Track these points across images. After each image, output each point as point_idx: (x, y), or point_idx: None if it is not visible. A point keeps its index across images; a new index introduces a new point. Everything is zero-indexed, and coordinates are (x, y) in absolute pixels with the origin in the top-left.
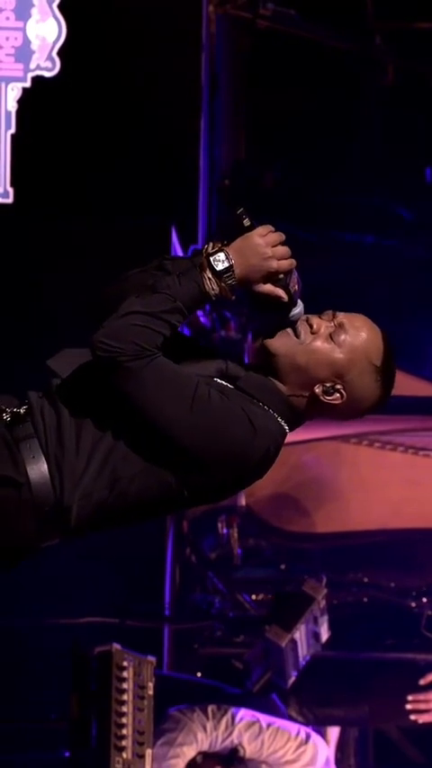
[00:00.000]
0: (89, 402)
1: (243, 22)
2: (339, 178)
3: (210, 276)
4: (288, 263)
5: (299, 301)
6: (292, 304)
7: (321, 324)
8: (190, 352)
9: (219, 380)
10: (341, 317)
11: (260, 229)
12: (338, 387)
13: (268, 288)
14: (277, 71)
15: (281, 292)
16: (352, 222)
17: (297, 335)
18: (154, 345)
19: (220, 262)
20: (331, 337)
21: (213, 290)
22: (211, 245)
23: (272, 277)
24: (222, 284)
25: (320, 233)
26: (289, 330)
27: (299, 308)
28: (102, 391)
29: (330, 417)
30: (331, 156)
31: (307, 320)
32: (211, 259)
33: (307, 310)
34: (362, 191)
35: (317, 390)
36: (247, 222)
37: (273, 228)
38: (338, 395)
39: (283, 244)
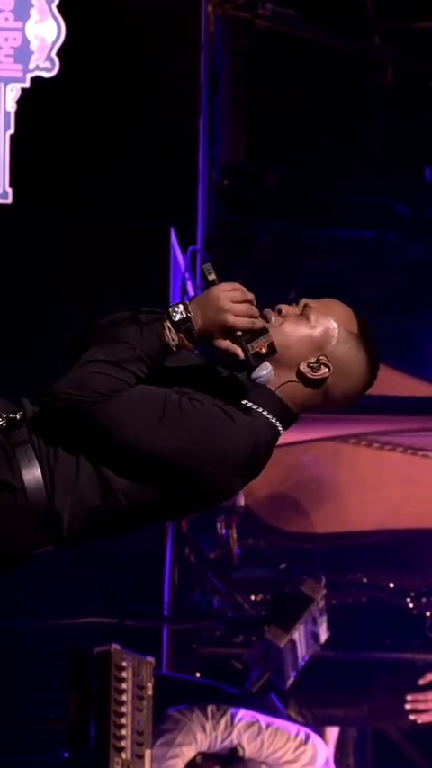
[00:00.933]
0: (68, 431)
1: (242, 22)
2: (339, 178)
3: (169, 326)
4: (246, 322)
5: (267, 365)
6: (253, 365)
7: (288, 309)
8: (187, 374)
9: (203, 394)
10: (306, 300)
11: (224, 285)
12: (322, 359)
13: (226, 344)
14: (277, 71)
15: (238, 350)
16: (352, 222)
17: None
18: (114, 391)
19: (178, 313)
20: (301, 317)
21: (173, 340)
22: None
23: (230, 333)
24: (182, 335)
25: (320, 233)
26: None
27: (266, 371)
28: (73, 431)
29: (336, 401)
30: (331, 155)
31: (274, 307)
32: (171, 310)
33: None
34: (362, 190)
35: (302, 369)
36: (211, 277)
37: (240, 287)
38: (325, 368)
39: (252, 303)
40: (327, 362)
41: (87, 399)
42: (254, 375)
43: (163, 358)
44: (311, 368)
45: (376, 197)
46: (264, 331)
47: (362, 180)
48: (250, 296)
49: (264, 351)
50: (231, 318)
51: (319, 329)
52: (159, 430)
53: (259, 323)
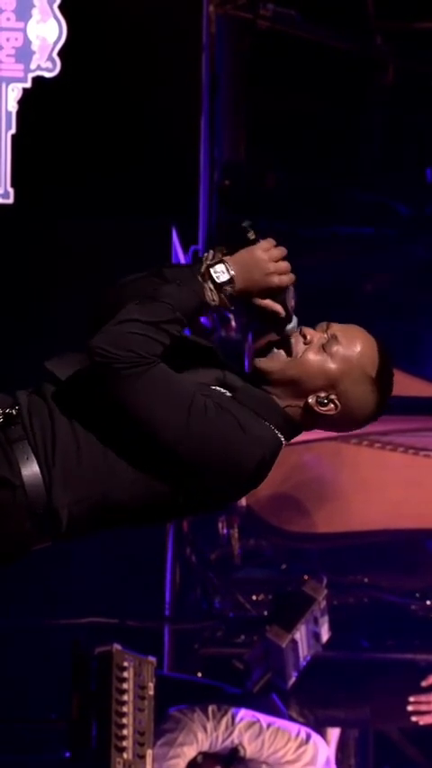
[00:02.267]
0: (84, 407)
1: (243, 22)
2: (340, 178)
3: (210, 287)
4: (288, 279)
5: (294, 316)
6: (288, 319)
7: (315, 335)
8: (190, 356)
9: (217, 388)
10: (335, 328)
11: (264, 243)
12: (332, 397)
13: (267, 302)
14: (278, 71)
15: (278, 308)
16: (352, 221)
17: (288, 353)
18: (152, 354)
19: (221, 273)
20: (324, 348)
21: (213, 300)
22: (211, 254)
23: (271, 292)
24: (222, 295)
25: (321, 232)
26: (278, 351)
27: (293, 323)
28: (98, 397)
29: (327, 428)
30: (331, 156)
31: (300, 332)
32: (212, 270)
33: (306, 311)
34: (362, 191)
35: (310, 401)
36: (252, 236)
37: (275, 243)
38: (332, 405)
39: (284, 258)
40: (336, 401)
41: (126, 360)
42: (287, 329)
43: (198, 317)
44: (319, 402)
45: (377, 197)
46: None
47: (362, 180)
48: (285, 250)
49: (293, 303)
50: (276, 279)
51: (338, 366)
52: (182, 423)
53: (294, 277)
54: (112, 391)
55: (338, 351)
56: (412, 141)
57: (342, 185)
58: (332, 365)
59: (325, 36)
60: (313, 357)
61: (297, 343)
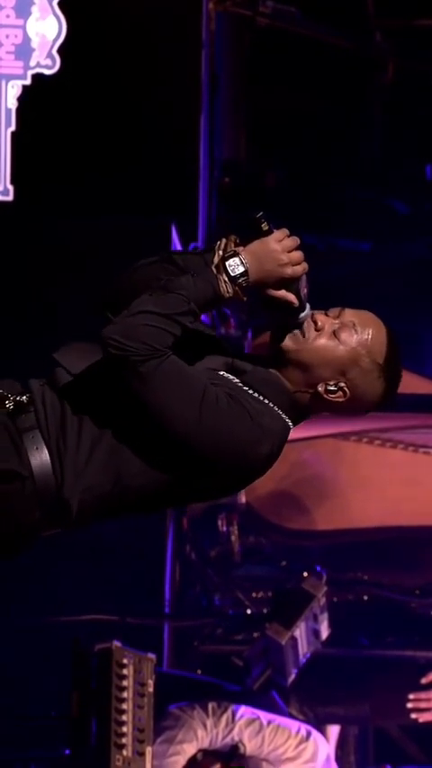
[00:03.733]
0: (94, 396)
1: (243, 19)
2: (339, 176)
3: (225, 279)
4: (302, 269)
5: (307, 304)
6: (302, 308)
7: (326, 321)
8: (199, 341)
9: (225, 374)
10: (348, 313)
11: (277, 234)
12: (341, 385)
13: (281, 293)
14: (277, 69)
15: (292, 297)
16: (352, 219)
17: (304, 336)
18: (165, 346)
19: (236, 266)
20: (335, 334)
21: (228, 292)
22: (224, 243)
23: (285, 282)
24: (236, 288)
25: (321, 231)
26: (297, 332)
27: (306, 311)
28: (108, 386)
29: (334, 413)
30: (331, 153)
31: (312, 317)
32: (227, 263)
33: (315, 310)
34: (362, 188)
35: (320, 389)
36: (265, 227)
37: (288, 233)
38: (341, 393)
39: (297, 248)
40: (345, 389)
41: (141, 352)
42: (300, 316)
43: (212, 309)
44: (328, 390)
45: (376, 194)
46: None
47: (362, 178)
48: (297, 239)
49: (306, 290)
50: (290, 270)
51: (348, 353)
52: (194, 416)
53: (306, 266)
54: (126, 384)
55: (349, 337)
56: (412, 139)
57: (342, 183)
58: (342, 352)
59: (325, 33)
60: (325, 343)
61: (309, 329)
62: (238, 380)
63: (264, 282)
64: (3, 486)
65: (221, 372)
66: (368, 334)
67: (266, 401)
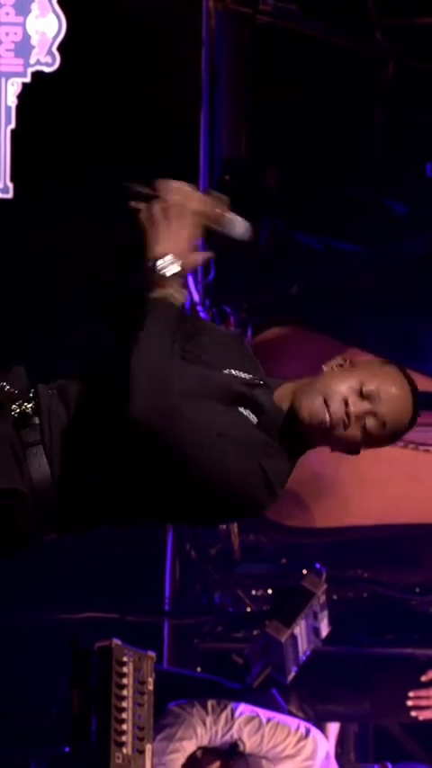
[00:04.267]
0: (101, 414)
1: (243, 17)
2: (339, 173)
3: (172, 292)
4: (192, 203)
5: (236, 218)
6: (236, 226)
7: (357, 406)
8: (224, 349)
9: (243, 411)
10: (384, 403)
11: (152, 206)
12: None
13: (197, 258)
14: (277, 67)
15: (222, 227)
16: (352, 217)
17: (328, 407)
18: (175, 392)
19: (167, 269)
20: (364, 425)
21: (183, 296)
22: (151, 262)
23: (201, 221)
24: (179, 286)
25: (320, 229)
26: (321, 401)
27: (240, 225)
28: (115, 408)
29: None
30: (331, 151)
31: (342, 397)
32: (162, 273)
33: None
34: (362, 186)
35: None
36: (144, 191)
37: (154, 189)
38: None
39: (166, 205)
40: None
41: (170, 424)
42: (240, 232)
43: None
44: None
45: (376, 192)
46: (217, 199)
47: (362, 175)
48: (162, 182)
49: (227, 213)
50: (189, 215)
51: (371, 443)
52: (203, 468)
53: (203, 203)
54: (142, 441)
55: (377, 431)
56: (413, 137)
57: (342, 181)
58: (365, 441)
59: (325, 31)
60: (352, 435)
61: (337, 408)
62: (254, 420)
63: (193, 239)
64: (2, 501)
65: (240, 409)
66: (394, 427)
67: (277, 445)
